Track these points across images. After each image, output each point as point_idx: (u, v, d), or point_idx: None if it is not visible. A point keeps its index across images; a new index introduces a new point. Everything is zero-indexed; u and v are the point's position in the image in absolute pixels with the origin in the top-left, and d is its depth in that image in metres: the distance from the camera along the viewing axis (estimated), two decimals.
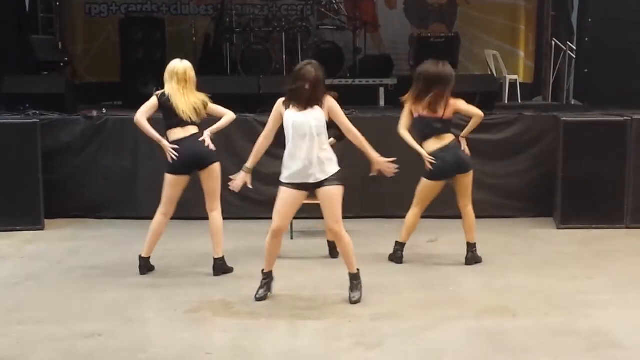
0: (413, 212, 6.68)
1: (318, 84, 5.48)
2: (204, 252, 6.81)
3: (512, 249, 7.26)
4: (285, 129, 5.56)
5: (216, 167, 6.22)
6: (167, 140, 6.14)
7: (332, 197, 5.47)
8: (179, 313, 5.39)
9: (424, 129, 6.54)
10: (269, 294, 5.73)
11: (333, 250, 6.84)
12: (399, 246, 6.72)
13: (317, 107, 5.49)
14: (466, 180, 6.49)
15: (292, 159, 5.51)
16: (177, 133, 6.16)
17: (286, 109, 5.56)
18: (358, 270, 5.73)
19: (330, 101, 5.52)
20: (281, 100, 5.62)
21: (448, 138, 6.46)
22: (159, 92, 6.23)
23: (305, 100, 5.48)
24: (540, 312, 5.38)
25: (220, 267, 6.33)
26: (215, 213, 6.27)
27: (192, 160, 6.17)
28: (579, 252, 7.20)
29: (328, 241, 6.81)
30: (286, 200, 5.56)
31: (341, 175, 5.57)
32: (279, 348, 4.76)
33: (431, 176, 6.47)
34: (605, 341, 4.84)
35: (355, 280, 5.71)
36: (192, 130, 6.19)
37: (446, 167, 6.41)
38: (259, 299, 5.65)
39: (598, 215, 8.01)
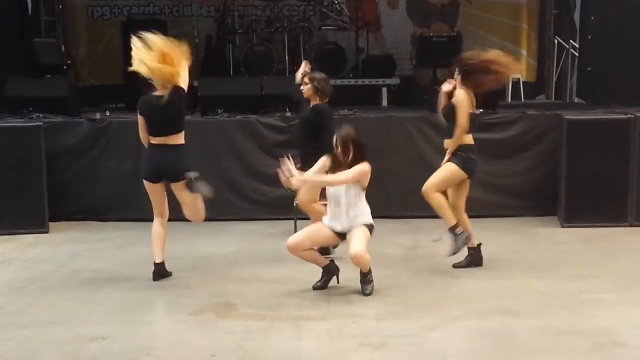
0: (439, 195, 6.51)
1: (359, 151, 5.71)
2: (206, 254, 6.82)
3: (516, 248, 7.25)
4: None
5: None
6: None
7: (359, 231, 5.74)
8: (183, 315, 5.39)
9: None
10: (330, 283, 5.97)
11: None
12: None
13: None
14: None
15: (329, 212, 5.82)
16: None
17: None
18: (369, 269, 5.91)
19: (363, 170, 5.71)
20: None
21: None
22: None
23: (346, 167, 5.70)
24: (544, 312, 5.37)
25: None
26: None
27: None
28: (583, 251, 7.19)
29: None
30: (316, 229, 5.86)
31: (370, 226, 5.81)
32: (284, 349, 4.75)
33: None
34: (610, 340, 4.82)
35: (367, 276, 5.87)
36: None
37: None
38: (316, 288, 5.91)
39: (602, 214, 8.00)
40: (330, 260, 6.04)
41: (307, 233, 5.86)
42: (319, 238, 5.87)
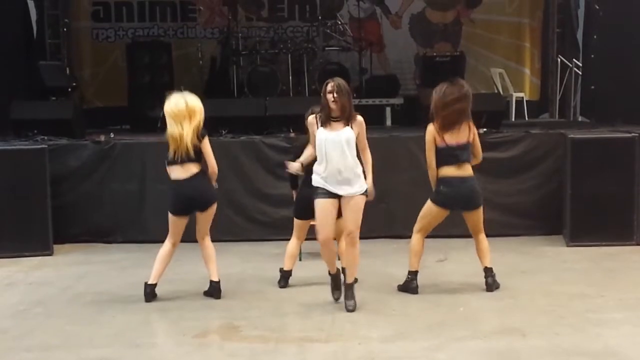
0: (418, 238, 6.47)
1: (347, 97, 5.76)
2: None
3: (522, 268, 7.22)
4: (318, 145, 5.77)
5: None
6: None
7: (357, 204, 5.78)
8: (187, 337, 5.36)
9: None
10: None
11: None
12: (413, 275, 6.42)
13: (347, 127, 5.74)
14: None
15: (324, 172, 5.75)
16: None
17: (318, 127, 5.78)
18: (356, 279, 6.02)
19: (359, 122, 5.80)
20: (313, 116, 5.87)
21: None
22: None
23: (337, 116, 5.74)
24: (550, 332, 5.33)
25: (219, 289, 6.32)
26: (208, 238, 6.35)
27: None
28: (589, 270, 7.16)
29: (342, 269, 6.74)
30: (324, 210, 5.80)
31: (366, 190, 5.85)
32: None
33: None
34: None
35: (351, 289, 5.92)
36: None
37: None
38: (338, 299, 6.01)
39: (607, 232, 7.97)
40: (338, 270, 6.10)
41: (327, 221, 5.80)
42: (333, 218, 5.85)
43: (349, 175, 5.74)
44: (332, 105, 5.70)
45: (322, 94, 5.80)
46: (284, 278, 6.71)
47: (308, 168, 6.10)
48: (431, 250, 7.39)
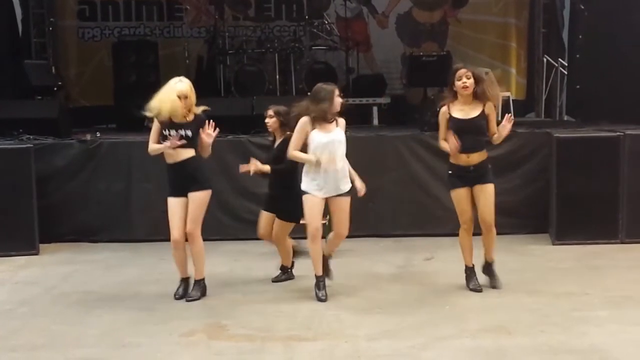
0: None
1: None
2: None
3: (508, 266, 7.22)
4: (313, 148, 5.98)
5: None
6: None
7: (346, 207, 6.09)
8: (174, 337, 5.35)
9: None
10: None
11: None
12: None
13: (337, 127, 6.05)
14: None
15: (315, 174, 5.96)
16: None
17: (312, 129, 6.01)
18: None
19: (342, 121, 6.11)
20: (306, 118, 6.03)
21: None
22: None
23: (329, 119, 6.03)
24: (536, 330, 5.36)
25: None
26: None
27: None
28: (575, 268, 7.19)
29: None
30: (314, 204, 6.02)
31: (351, 190, 6.15)
32: None
33: None
34: (601, 358, 4.82)
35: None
36: None
37: None
38: (323, 300, 6.09)
39: (593, 231, 8.02)
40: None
41: (316, 213, 6.01)
42: (320, 211, 6.11)
43: (340, 175, 6.01)
44: (339, 108, 6.04)
45: (322, 98, 5.99)
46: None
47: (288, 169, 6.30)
48: (418, 249, 7.43)
